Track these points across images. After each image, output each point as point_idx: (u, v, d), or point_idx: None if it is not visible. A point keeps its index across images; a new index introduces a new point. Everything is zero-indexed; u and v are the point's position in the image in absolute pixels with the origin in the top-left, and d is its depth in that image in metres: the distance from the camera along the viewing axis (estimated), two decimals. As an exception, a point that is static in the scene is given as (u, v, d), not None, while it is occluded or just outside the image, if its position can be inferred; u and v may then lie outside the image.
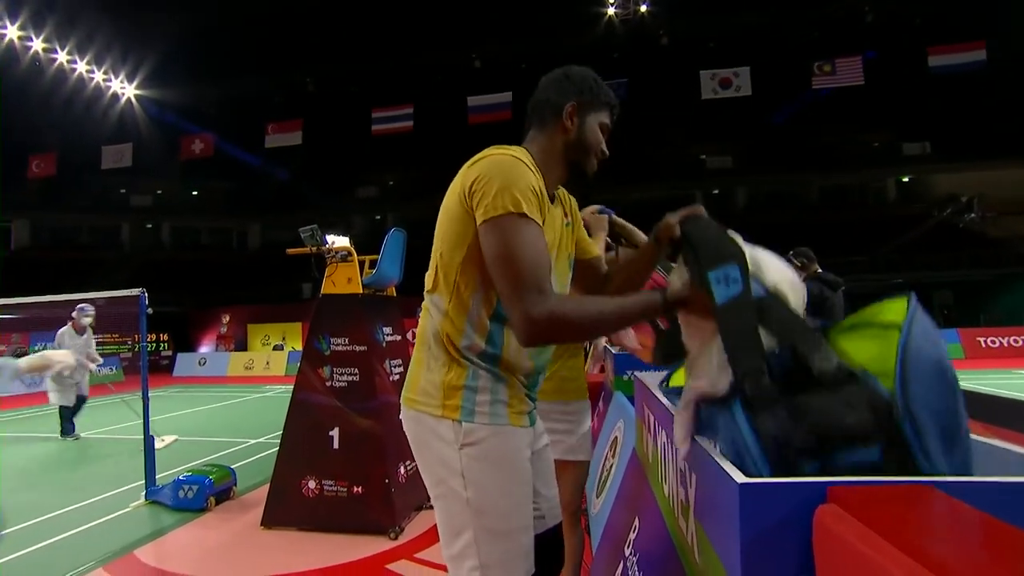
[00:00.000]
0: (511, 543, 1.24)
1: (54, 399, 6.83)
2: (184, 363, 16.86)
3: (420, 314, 1.36)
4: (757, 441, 0.83)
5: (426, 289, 1.32)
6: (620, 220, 2.04)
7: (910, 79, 20.31)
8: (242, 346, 19.83)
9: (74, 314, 6.98)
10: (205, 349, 20.11)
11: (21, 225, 28.47)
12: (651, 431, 1.94)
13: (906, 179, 24.72)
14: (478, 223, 1.15)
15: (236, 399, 11.08)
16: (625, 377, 4.05)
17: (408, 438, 1.33)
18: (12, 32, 21.56)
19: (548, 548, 1.36)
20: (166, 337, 19.84)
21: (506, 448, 1.25)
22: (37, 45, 22.47)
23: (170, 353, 18.87)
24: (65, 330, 7.06)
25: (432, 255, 1.32)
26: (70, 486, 4.84)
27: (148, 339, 21.07)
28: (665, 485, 1.61)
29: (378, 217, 27.88)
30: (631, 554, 1.84)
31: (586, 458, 2.13)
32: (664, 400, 1.58)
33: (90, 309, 7.10)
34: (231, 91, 25.40)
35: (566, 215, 1.48)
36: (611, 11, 21.75)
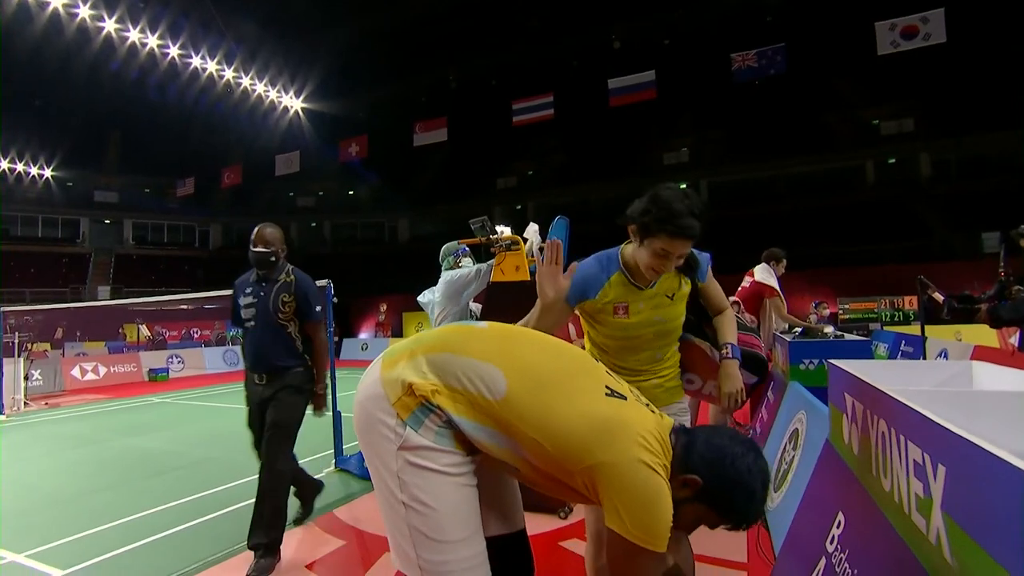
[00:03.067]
0: (450, 554, 1.19)
1: None
2: (348, 348, 18.63)
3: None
4: None
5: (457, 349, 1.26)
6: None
7: None
8: (398, 332, 21.46)
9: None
10: (364, 335, 22.05)
11: (216, 229, 33.34)
12: (857, 421, 1.81)
13: None
14: (609, 524, 1.15)
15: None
16: (802, 367, 3.79)
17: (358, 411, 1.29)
18: (212, 66, 25.33)
19: (510, 552, 1.29)
20: (333, 323, 22.10)
21: (444, 464, 1.20)
22: (229, 75, 26.10)
23: (336, 339, 20.95)
24: None
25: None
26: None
27: (317, 326, 23.58)
28: (885, 480, 1.49)
29: (518, 207, 28.55)
30: (836, 551, 1.73)
31: None
32: (888, 389, 1.45)
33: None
34: (381, 95, 27.40)
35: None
36: (762, -30, 20.00)
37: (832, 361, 2.18)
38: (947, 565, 1.07)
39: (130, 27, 22.49)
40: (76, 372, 11.94)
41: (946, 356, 7.10)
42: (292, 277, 3.15)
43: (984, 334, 10.49)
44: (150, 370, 13.08)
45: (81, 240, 29.51)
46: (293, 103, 29.13)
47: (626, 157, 25.32)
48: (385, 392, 1.23)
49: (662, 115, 23.95)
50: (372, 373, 1.29)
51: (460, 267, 3.89)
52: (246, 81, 26.72)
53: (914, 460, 1.26)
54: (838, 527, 1.81)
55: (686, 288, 1.83)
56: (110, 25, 22.04)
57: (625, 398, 1.26)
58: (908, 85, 20.77)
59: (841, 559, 1.67)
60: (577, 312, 1.91)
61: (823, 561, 1.81)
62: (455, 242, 3.99)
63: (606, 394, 1.24)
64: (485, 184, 29.10)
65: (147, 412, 8.59)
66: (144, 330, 18.28)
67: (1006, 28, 17.57)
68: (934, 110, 21.31)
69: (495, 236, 3.42)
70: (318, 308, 3.15)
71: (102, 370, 12.47)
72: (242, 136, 29.61)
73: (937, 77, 19.98)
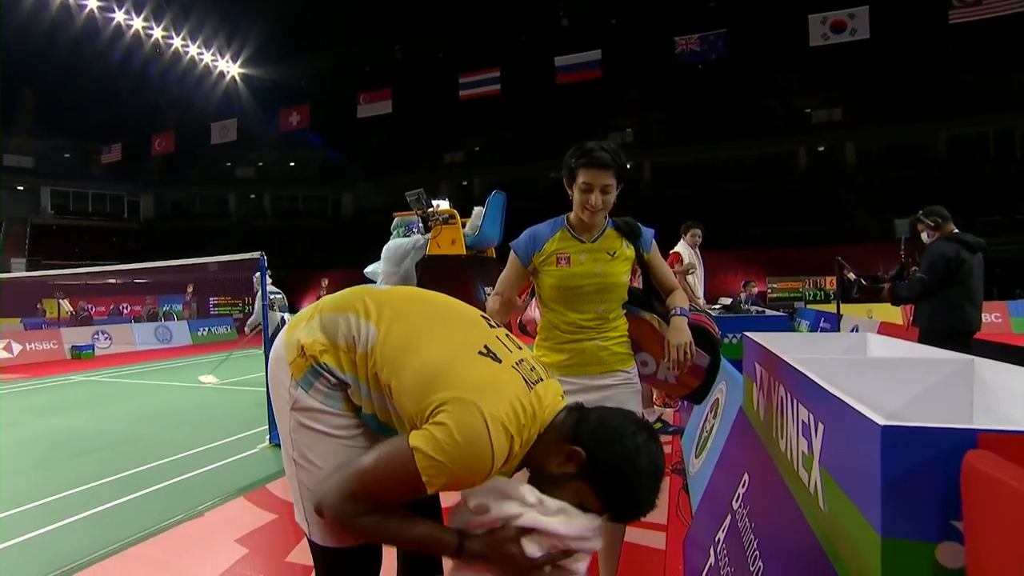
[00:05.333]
0: None
1: None
2: (290, 323, 18.14)
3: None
4: None
5: (359, 315, 1.25)
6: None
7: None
8: (340, 308, 21.08)
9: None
10: (306, 311, 21.52)
11: (147, 199, 31.51)
12: (764, 388, 1.94)
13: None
14: (410, 435, 1.08)
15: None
16: (726, 340, 3.99)
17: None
18: (138, 23, 23.57)
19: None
20: (266, 299, 21.35)
21: (332, 426, 1.23)
22: (157, 33, 24.42)
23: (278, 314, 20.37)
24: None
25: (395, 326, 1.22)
26: (205, 428, 5.44)
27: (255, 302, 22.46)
28: (782, 440, 1.62)
29: (464, 183, 28.32)
30: (740, 508, 1.87)
31: None
32: (786, 357, 1.57)
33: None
34: (323, 63, 26.40)
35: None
36: (707, -44, 20.36)
37: (746, 333, 2.31)
38: (821, 514, 1.19)
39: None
40: (-13, 349, 11.15)
41: (857, 331, 7.61)
42: None
43: (891, 312, 11.34)
44: (73, 347, 12.35)
45: (-10, 207, 27.27)
46: (230, 68, 27.67)
47: (572, 135, 25.21)
48: (285, 353, 1.26)
49: (607, 95, 24.17)
50: (280, 335, 1.32)
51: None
52: (177, 41, 25.15)
53: (802, 421, 1.37)
54: (743, 487, 1.95)
55: (628, 251, 1.96)
56: (16, -29, 20.22)
57: (500, 361, 1.19)
58: (837, 76, 21.80)
59: (743, 515, 1.80)
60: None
61: (729, 518, 1.95)
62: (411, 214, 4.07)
63: (479, 352, 1.19)
64: (432, 158, 28.68)
65: (69, 391, 8.14)
66: (66, 305, 17.18)
67: (923, 29, 18.67)
68: (859, 101, 22.50)
69: (431, 209, 3.41)
70: None
71: (16, 348, 11.67)
72: (174, 101, 27.93)
73: (862, 70, 21.08)
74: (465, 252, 3.47)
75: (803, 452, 1.36)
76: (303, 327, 1.27)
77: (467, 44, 23.87)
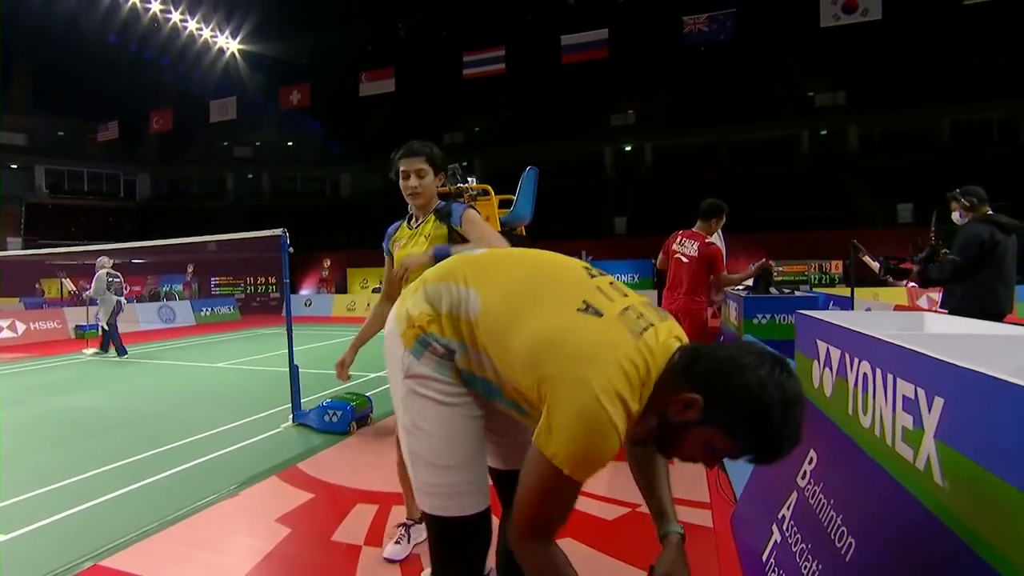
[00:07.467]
0: (442, 477, 1.26)
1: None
2: (292, 304, 18.11)
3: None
4: None
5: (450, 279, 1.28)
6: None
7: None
8: (342, 289, 20.96)
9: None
10: (306, 292, 21.43)
11: (143, 179, 31.08)
12: (832, 366, 1.91)
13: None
14: (535, 440, 1.08)
15: (347, 337, 11.82)
16: (755, 321, 3.97)
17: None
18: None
19: (501, 485, 1.48)
20: (274, 280, 21.24)
21: (443, 393, 1.25)
22: (155, 7, 23.86)
23: (278, 295, 20.31)
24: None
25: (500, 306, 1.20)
26: (222, 409, 5.42)
27: (258, 282, 22.21)
28: (864, 416, 1.59)
29: (464, 163, 28.06)
30: (809, 484, 1.85)
31: None
32: (877, 334, 1.54)
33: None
34: (325, 41, 25.89)
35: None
36: (717, -66, 19.92)
37: (801, 311, 2.29)
38: (939, 489, 1.16)
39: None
40: (-10, 328, 11.06)
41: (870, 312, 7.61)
42: None
43: (896, 295, 11.43)
44: (77, 327, 12.28)
45: (-17, 186, 26.82)
46: (229, 44, 27.10)
47: (575, 117, 25.19)
48: (396, 326, 1.31)
49: (612, 76, 23.88)
50: (394, 307, 1.37)
51: None
52: (175, 16, 24.58)
53: (904, 396, 1.34)
54: (810, 463, 1.93)
55: (439, 231, 2.20)
56: (10, -57, 19.68)
57: (601, 314, 1.13)
58: (844, 59, 21.55)
59: (815, 491, 1.79)
60: None
61: (795, 495, 1.93)
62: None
63: (579, 309, 1.13)
64: (431, 139, 28.09)
65: (75, 370, 8.09)
66: (68, 284, 17.04)
67: (936, 11, 18.43)
68: (864, 85, 22.29)
69: (464, 185, 3.35)
70: None
71: (20, 327, 11.59)
72: (172, 78, 27.39)
73: (870, 53, 20.86)
74: (499, 229, 3.41)
75: (904, 427, 1.33)
76: (410, 299, 1.32)
77: (472, 22, 23.43)
